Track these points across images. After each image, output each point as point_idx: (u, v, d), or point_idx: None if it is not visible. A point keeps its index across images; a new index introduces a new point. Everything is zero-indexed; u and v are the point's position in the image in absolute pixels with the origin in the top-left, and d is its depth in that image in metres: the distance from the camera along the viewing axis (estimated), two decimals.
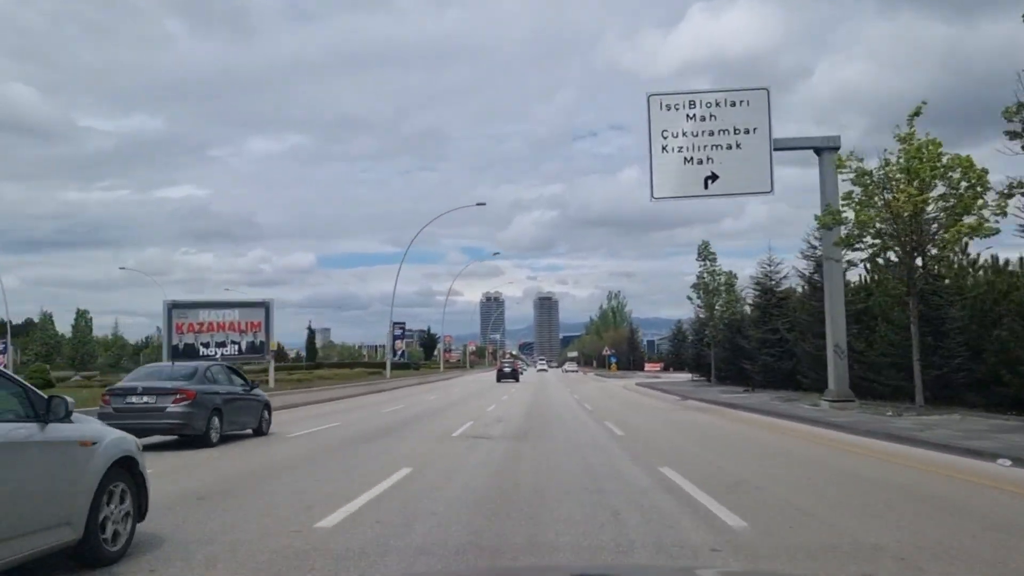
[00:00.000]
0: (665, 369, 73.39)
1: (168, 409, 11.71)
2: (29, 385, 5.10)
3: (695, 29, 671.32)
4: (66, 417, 5.04)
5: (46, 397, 5.01)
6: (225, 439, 12.84)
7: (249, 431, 13.98)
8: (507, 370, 54.78)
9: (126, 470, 5.46)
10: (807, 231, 27.56)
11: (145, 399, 11.83)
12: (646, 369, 75.76)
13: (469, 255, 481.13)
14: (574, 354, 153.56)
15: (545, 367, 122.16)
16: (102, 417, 11.74)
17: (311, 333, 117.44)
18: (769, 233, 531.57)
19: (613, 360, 69.31)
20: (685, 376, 52.59)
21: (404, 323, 47.85)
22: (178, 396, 11.78)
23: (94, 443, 5.24)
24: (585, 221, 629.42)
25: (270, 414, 14.79)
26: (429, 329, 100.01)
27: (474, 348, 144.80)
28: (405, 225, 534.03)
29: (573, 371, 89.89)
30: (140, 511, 5.62)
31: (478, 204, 65.59)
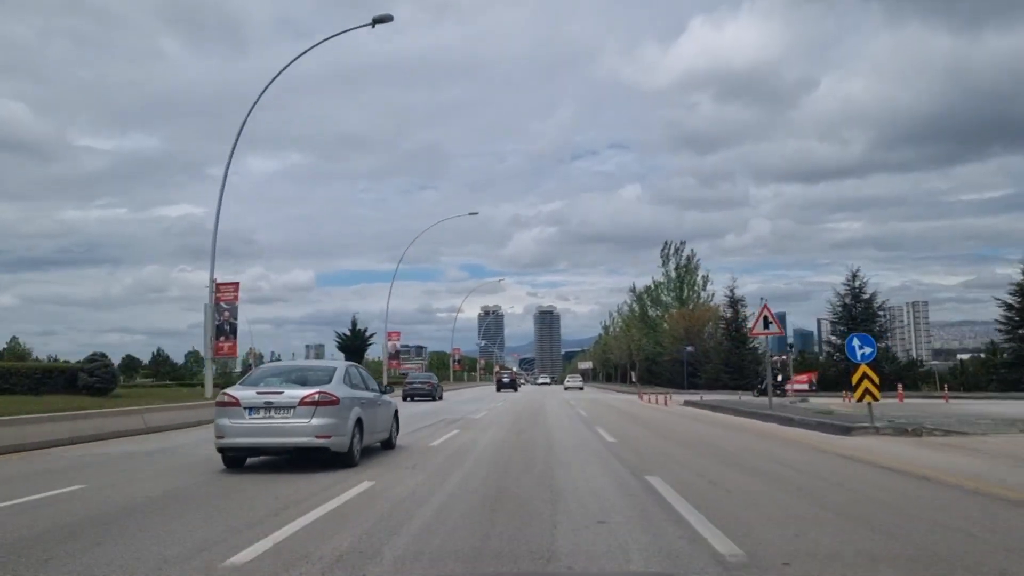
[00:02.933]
0: (819, 386, 38.40)
1: (426, 388, 35.04)
2: (374, 380, 12.91)
3: (696, 43, 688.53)
4: (387, 392, 13.22)
5: (385, 384, 14.66)
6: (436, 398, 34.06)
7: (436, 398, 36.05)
8: (506, 380, 61.87)
9: (394, 415, 13.22)
10: None
11: (419, 385, 35.24)
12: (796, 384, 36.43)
13: (469, 272, 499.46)
14: (587, 364, 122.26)
15: (547, 380, 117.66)
16: (404, 391, 35.35)
17: None
18: (772, 249, 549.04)
19: (790, 344, 30.22)
20: None
21: None
22: (428, 383, 35.43)
23: (391, 403, 13.05)
24: (585, 237, 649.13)
25: (442, 392, 37.73)
26: (355, 323, 66.11)
27: (395, 345, 71.89)
28: (404, 244, 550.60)
29: (577, 387, 64.77)
30: (397, 431, 13.43)
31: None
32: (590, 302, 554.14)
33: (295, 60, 26.00)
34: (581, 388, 64.08)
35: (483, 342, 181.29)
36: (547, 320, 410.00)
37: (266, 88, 26.25)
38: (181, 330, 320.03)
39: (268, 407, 10.09)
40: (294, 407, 10.06)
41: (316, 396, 10.12)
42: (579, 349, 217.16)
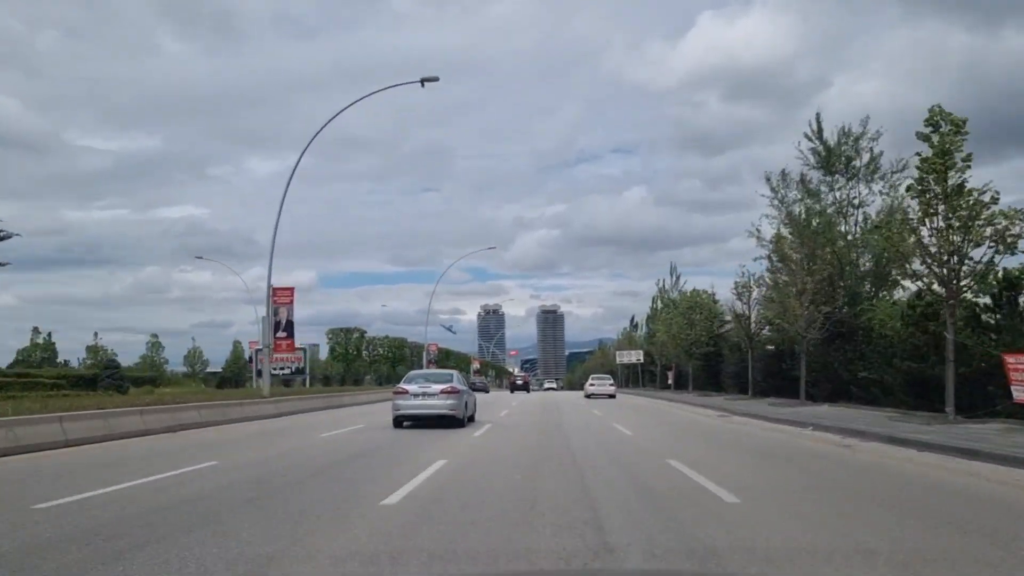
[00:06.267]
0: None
1: (481, 385, 51.93)
2: (464, 379, 22.30)
3: (705, 39, 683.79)
4: (473, 389, 25.61)
5: (471, 382, 33.01)
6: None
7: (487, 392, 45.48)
8: (519, 383, 68.45)
9: (475, 402, 22.02)
10: None
11: (479, 384, 49.61)
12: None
13: (471, 274, 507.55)
14: (635, 357, 74.22)
15: (555, 385, 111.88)
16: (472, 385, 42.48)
17: None
18: None
19: None
20: None
21: None
22: (483, 382, 50.27)
23: (474, 393, 23.45)
24: (589, 240, 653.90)
25: (490, 388, 50.73)
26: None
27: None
28: (407, 245, 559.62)
29: (607, 394, 45.95)
30: (475, 410, 21.67)
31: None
32: (593, 305, 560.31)
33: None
34: (613, 396, 46.07)
35: (450, 326, 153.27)
36: (550, 320, 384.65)
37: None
38: (183, 330, 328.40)
39: (424, 394, 18.47)
40: (437, 394, 18.42)
41: (449, 388, 18.52)
42: (587, 350, 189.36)
